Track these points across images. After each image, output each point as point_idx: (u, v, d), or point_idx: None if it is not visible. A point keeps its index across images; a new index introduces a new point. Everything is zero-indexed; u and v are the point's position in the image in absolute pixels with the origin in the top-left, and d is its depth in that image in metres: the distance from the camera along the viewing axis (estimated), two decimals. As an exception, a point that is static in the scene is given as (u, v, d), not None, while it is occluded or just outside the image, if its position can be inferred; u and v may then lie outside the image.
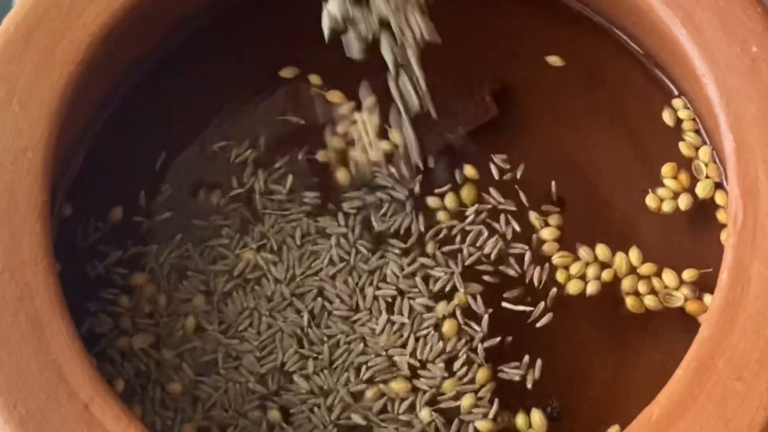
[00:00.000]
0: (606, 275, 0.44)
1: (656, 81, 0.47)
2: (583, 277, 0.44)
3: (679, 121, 0.46)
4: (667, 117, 0.46)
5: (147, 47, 0.46)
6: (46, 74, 0.41)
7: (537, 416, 0.41)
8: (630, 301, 0.43)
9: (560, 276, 0.44)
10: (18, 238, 0.38)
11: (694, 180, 0.45)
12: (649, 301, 0.43)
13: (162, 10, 0.44)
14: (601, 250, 0.44)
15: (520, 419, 0.42)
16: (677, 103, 0.46)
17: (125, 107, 0.46)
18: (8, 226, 0.38)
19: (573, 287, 0.44)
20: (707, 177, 0.45)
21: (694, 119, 0.46)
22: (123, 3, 0.42)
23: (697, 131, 0.45)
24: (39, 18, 0.42)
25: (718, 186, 0.44)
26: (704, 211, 0.45)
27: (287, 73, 0.48)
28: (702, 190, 0.44)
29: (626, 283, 0.43)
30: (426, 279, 0.44)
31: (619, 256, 0.44)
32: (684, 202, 0.44)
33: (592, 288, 0.43)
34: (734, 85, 0.40)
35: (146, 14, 0.43)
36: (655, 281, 0.43)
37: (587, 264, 0.44)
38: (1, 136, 0.40)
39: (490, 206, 0.45)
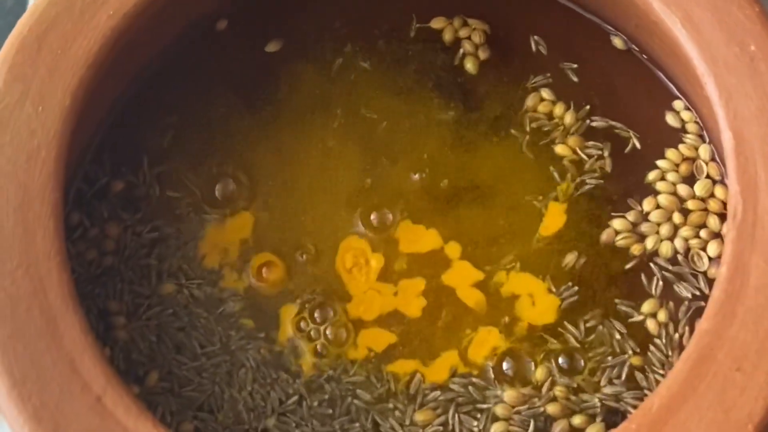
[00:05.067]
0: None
1: (660, 84, 0.47)
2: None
3: (682, 122, 0.47)
4: (670, 119, 0.47)
5: (159, 48, 0.47)
6: (59, 76, 0.41)
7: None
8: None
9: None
10: (32, 235, 0.39)
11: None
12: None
13: (172, 13, 0.45)
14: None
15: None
16: (678, 104, 0.47)
17: (137, 107, 0.47)
18: (22, 223, 0.39)
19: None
20: (708, 177, 0.45)
21: (696, 121, 0.46)
22: (134, 6, 0.43)
23: (699, 131, 0.46)
24: (52, 20, 0.42)
25: (718, 183, 0.45)
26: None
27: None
28: (701, 188, 0.45)
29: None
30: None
31: None
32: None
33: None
34: (733, 84, 0.40)
35: (157, 16, 0.44)
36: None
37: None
38: (15, 135, 0.40)
39: None
